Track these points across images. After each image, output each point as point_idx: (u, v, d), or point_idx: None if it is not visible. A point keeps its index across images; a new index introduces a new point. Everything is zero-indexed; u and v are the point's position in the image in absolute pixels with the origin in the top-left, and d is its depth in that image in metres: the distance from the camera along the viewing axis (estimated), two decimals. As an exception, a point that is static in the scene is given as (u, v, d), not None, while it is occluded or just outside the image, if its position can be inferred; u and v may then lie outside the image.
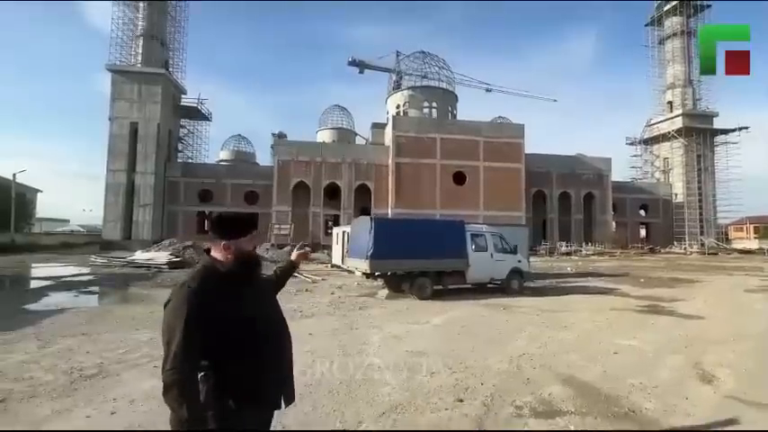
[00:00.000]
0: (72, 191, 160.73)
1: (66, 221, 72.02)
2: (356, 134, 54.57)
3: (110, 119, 35.57)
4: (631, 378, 4.28)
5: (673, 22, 46.48)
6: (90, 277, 14.46)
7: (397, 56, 46.92)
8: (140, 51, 37.67)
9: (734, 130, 43.60)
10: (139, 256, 19.27)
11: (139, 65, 37.11)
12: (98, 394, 3.75)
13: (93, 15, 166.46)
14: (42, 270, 17.02)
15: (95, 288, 12.12)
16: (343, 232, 16.51)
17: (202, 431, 1.42)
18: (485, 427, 3.13)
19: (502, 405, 3.54)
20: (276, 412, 1.72)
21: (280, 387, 1.68)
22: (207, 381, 1.51)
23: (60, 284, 12.43)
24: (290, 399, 1.72)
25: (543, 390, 3.92)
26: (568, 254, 33.38)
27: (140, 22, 38.32)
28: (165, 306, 1.51)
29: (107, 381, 4.13)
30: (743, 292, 11.94)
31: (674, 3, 46.04)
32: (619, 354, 5.30)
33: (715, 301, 10.35)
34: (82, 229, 60.55)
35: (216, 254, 1.65)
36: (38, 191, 47.96)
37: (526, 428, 3.13)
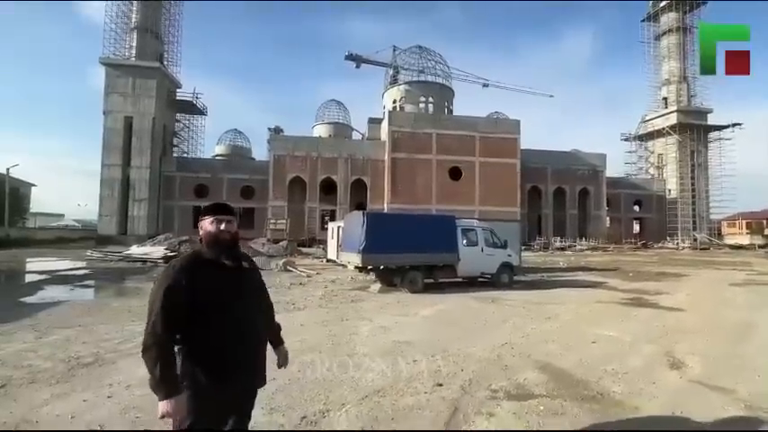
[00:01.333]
0: (67, 186, 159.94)
1: (60, 216, 71.80)
2: (352, 129, 54.60)
3: (104, 113, 35.39)
4: (605, 365, 4.50)
5: (669, 18, 46.63)
6: (86, 271, 14.57)
7: (394, 51, 46.91)
8: (134, 45, 37.40)
9: (727, 127, 44.02)
10: (135, 250, 19.37)
11: (134, 58, 36.85)
12: (95, 380, 3.92)
13: (92, 15, 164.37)
14: (38, 264, 17.10)
15: (91, 282, 12.26)
16: (338, 227, 16.64)
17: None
18: (459, 408, 3.33)
19: (478, 389, 3.75)
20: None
21: (247, 369, 1.81)
22: (182, 352, 1.70)
23: (56, 278, 12.55)
24: (260, 382, 1.89)
25: (519, 375, 4.14)
26: (563, 249, 33.72)
27: (134, 16, 38.02)
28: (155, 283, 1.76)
29: (103, 368, 4.30)
30: (727, 286, 12.23)
31: (669, -1, 46.17)
32: (597, 343, 5.53)
33: (698, 294, 10.64)
34: (77, 224, 60.44)
35: None
36: (32, 185, 47.80)
37: (498, 409, 3.34)
